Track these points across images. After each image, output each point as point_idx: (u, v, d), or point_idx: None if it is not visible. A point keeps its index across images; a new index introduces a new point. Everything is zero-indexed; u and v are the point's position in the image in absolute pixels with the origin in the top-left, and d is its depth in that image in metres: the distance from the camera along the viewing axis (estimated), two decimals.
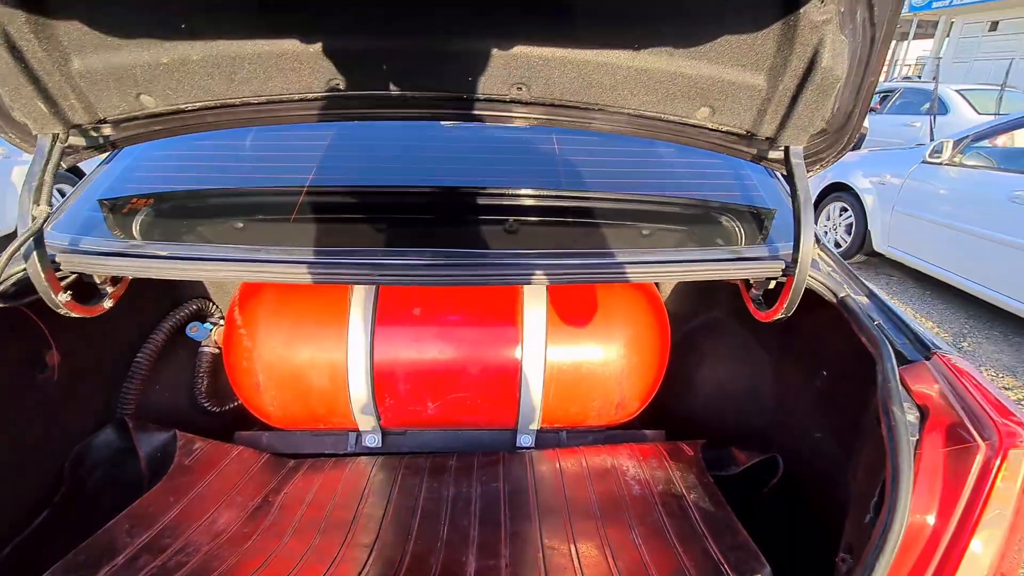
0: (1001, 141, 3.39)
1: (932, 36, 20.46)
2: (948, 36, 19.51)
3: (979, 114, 6.73)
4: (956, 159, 3.19)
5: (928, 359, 0.82)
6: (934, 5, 18.53)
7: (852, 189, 4.03)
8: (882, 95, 8.52)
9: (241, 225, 1.06)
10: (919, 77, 19.69)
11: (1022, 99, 8.32)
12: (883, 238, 3.73)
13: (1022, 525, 0.64)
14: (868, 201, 3.85)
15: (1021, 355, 2.88)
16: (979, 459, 0.66)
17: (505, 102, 0.88)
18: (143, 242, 0.96)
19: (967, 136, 3.24)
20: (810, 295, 0.99)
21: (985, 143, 3.25)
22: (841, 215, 4.26)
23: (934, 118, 5.01)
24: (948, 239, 3.11)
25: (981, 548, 0.63)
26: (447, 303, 1.16)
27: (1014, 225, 2.71)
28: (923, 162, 3.39)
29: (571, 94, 0.86)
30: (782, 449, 1.18)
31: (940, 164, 3.26)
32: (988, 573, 0.63)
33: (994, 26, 18.12)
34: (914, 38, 22.36)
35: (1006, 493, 0.64)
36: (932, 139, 3.79)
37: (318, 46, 0.77)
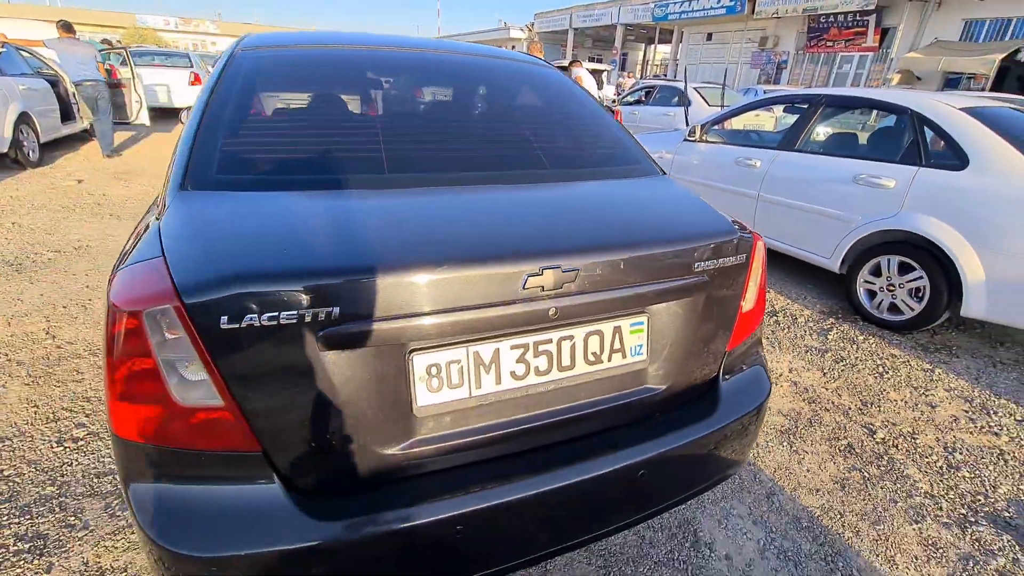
0: (727, 125, 4.91)
1: (670, 42, 25.37)
2: (680, 43, 24.42)
3: (709, 105, 9.00)
4: (703, 137, 4.57)
5: None
6: (669, 17, 22.99)
7: None
8: (646, 91, 10.70)
9: None
10: (664, 76, 24.35)
11: (735, 95, 11.30)
12: None
13: None
14: None
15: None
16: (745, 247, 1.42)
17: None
18: None
19: (708, 121, 4.64)
20: None
21: (718, 126, 4.70)
22: None
23: (687, 108, 6.72)
24: (703, 193, 4.48)
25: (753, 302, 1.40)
26: None
27: (738, 179, 4.11)
28: (684, 140, 4.74)
29: None
30: None
31: (695, 141, 4.62)
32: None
33: (709, 37, 23.34)
34: (659, 42, 27.44)
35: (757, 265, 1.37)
36: (687, 124, 5.24)
37: None
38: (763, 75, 20.50)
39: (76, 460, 1.83)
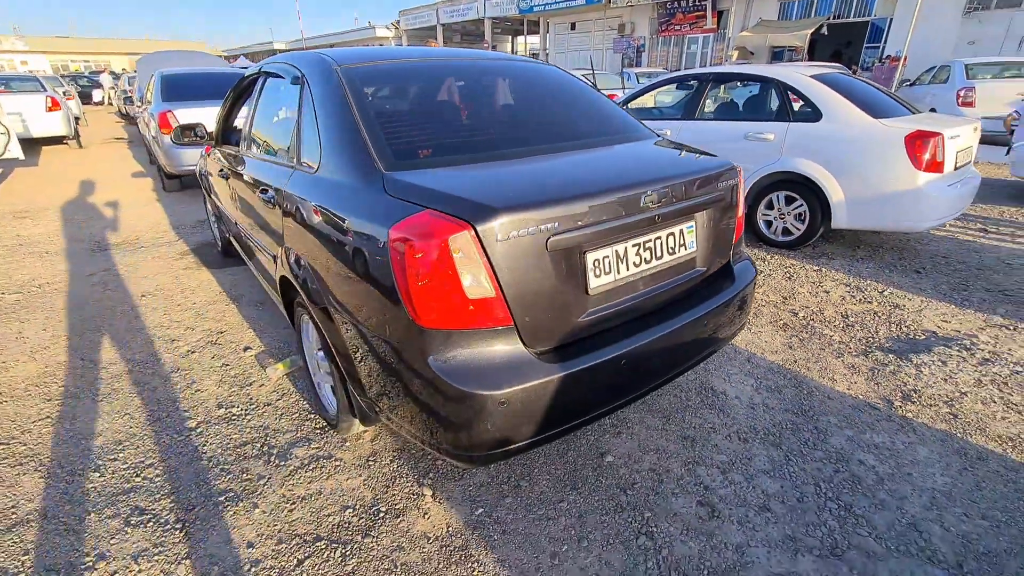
0: (631, 104, 5.80)
1: (538, 33, 26.77)
2: (548, 33, 25.90)
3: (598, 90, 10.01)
4: None
5: None
6: (534, 9, 24.28)
7: None
8: None
9: None
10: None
11: (609, 77, 12.55)
12: None
13: None
14: None
15: None
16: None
17: None
18: None
19: (620, 102, 5.47)
20: None
21: (625, 107, 5.55)
22: None
23: None
24: None
25: None
26: None
27: None
28: None
29: None
30: None
31: None
32: None
33: (573, 27, 25.06)
34: (528, 34, 28.75)
35: (741, 185, 2.11)
36: None
37: None
38: (625, 59, 22.52)
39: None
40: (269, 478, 1.87)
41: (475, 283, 1.29)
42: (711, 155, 1.96)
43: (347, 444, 2.03)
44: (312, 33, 44.78)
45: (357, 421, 1.91)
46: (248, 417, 2.22)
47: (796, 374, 2.49)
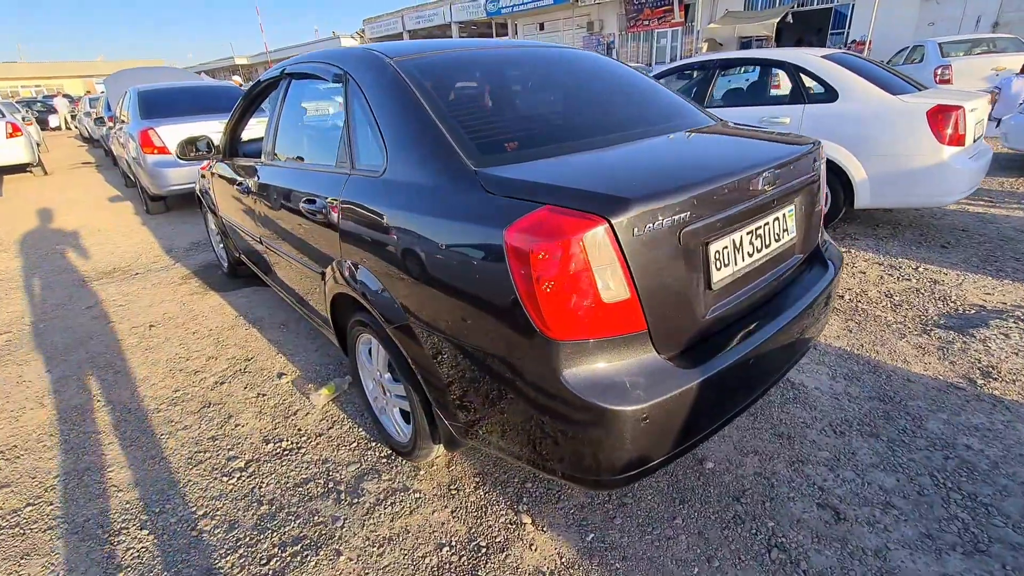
0: None
1: (507, 35, 26.73)
2: (516, 35, 25.88)
3: None
4: None
5: None
6: (502, 11, 24.23)
7: None
8: None
9: None
10: None
11: None
12: None
13: None
14: None
15: None
16: None
17: None
18: None
19: None
20: None
21: None
22: None
23: None
24: None
25: None
26: None
27: None
28: None
29: None
30: None
31: None
32: None
33: (542, 27, 25.09)
34: (496, 36, 28.68)
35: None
36: None
37: None
38: None
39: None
40: (345, 519, 1.67)
41: (611, 285, 1.14)
42: (788, 134, 1.85)
43: (421, 473, 1.85)
44: (273, 47, 43.95)
45: (437, 447, 1.74)
46: (302, 451, 2.01)
47: (867, 359, 2.40)
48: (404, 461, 1.91)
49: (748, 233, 1.44)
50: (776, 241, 1.56)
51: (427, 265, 1.37)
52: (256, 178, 2.44)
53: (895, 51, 11.27)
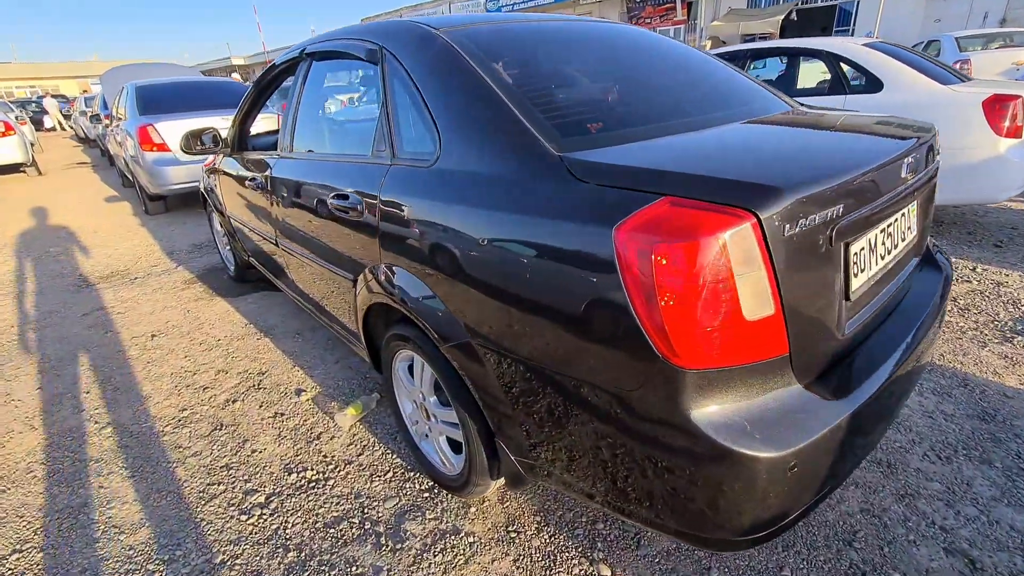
0: None
1: None
2: None
3: None
4: None
5: None
6: (502, 10, 23.98)
7: None
8: None
9: None
10: None
11: None
12: None
13: None
14: None
15: None
16: None
17: None
18: None
19: None
20: None
21: None
22: None
23: None
24: None
25: None
26: None
27: None
28: None
29: None
30: None
31: None
32: None
33: None
34: None
35: None
36: None
37: None
38: None
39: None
40: (389, 571, 1.42)
41: (755, 297, 0.90)
42: (891, 118, 1.61)
43: (472, 511, 1.60)
44: (271, 47, 43.53)
45: (495, 483, 1.49)
46: (330, 482, 1.76)
47: (952, 371, 2.16)
48: (450, 496, 1.66)
49: (881, 232, 1.20)
50: (902, 241, 1.32)
51: (500, 272, 1.12)
52: (271, 173, 2.19)
53: (912, 45, 11.10)
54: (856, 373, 1.09)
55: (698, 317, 0.87)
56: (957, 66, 8.76)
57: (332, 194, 1.68)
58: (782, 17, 17.09)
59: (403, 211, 1.37)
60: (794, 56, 4.47)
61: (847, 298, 1.09)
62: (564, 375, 1.06)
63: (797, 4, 17.81)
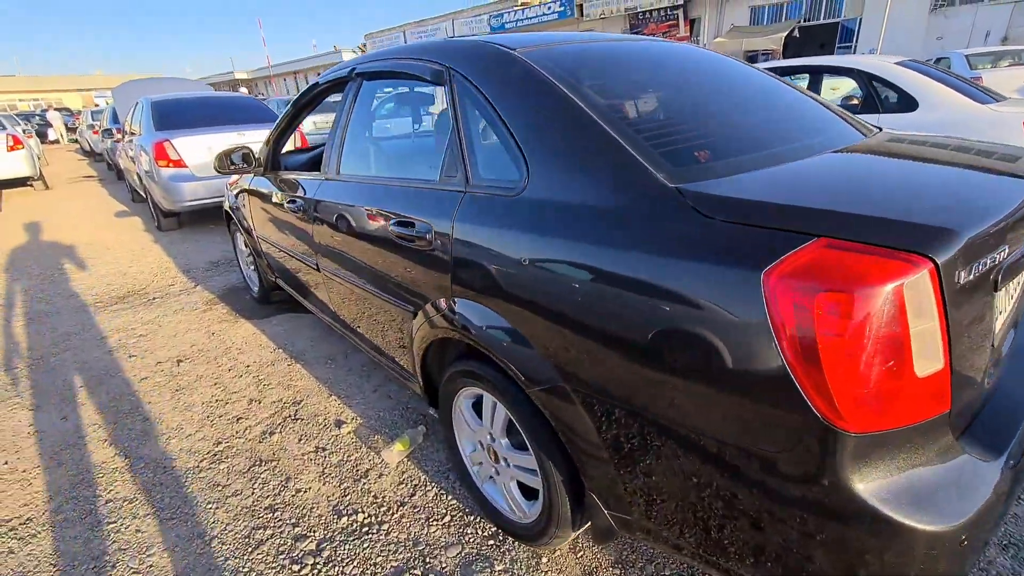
0: None
1: None
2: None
3: None
4: None
5: None
6: (506, 27, 24.22)
7: None
8: None
9: None
10: None
11: None
12: None
13: None
14: None
15: None
16: None
17: None
18: None
19: None
20: None
21: None
22: None
23: None
24: None
25: None
26: None
27: None
28: None
29: None
30: None
31: None
32: None
33: None
34: None
35: None
36: None
37: None
38: None
39: None
40: None
41: (927, 351, 0.80)
42: (993, 144, 1.53)
43: (544, 561, 1.49)
44: (274, 61, 43.87)
45: (575, 533, 1.38)
46: (384, 526, 1.65)
47: None
48: (517, 544, 1.55)
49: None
50: (1020, 285, 1.23)
51: (606, 314, 1.02)
52: (314, 195, 2.10)
53: None
54: (1002, 425, 0.99)
55: (868, 376, 0.78)
56: None
57: (394, 220, 1.59)
58: (785, 34, 17.26)
59: (483, 242, 1.28)
60: (817, 73, 4.43)
61: (993, 344, 1.00)
62: (685, 429, 0.96)
63: (800, 21, 18.00)
